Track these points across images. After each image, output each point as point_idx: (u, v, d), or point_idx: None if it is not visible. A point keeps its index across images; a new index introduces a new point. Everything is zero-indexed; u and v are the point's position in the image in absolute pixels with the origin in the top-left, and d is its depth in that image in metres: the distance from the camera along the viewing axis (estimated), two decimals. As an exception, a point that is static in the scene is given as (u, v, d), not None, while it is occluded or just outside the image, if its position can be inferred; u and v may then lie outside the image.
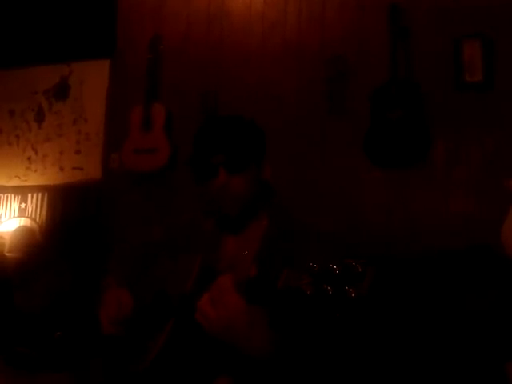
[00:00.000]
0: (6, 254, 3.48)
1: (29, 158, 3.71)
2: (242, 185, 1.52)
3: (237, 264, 1.54)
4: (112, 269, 1.68)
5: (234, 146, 1.52)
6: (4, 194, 3.72)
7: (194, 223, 1.68)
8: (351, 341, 1.32)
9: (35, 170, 3.69)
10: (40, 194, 3.63)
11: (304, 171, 2.92)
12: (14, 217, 3.67)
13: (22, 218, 3.64)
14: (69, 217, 3.51)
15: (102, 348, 1.62)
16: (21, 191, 3.68)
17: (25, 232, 3.58)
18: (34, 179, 3.68)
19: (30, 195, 3.65)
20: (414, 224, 2.74)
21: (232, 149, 1.51)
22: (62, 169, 3.62)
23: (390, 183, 2.82)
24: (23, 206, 3.66)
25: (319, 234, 1.55)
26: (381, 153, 2.78)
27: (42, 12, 3.68)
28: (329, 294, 1.07)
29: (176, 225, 1.72)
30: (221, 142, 1.52)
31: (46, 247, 3.47)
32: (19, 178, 3.72)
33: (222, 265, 1.54)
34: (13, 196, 3.70)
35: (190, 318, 1.33)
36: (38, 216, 3.60)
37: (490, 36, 2.73)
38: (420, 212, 2.75)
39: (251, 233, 1.57)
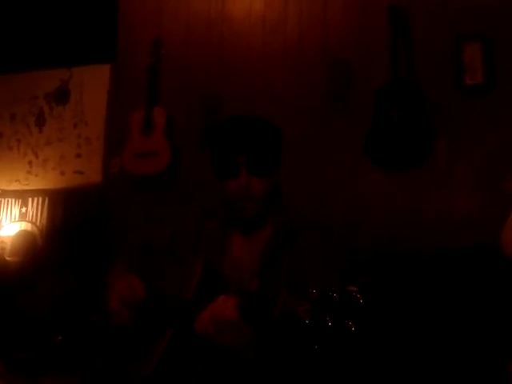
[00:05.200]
0: (7, 259, 3.47)
1: (29, 162, 3.71)
2: (262, 188, 1.53)
3: (241, 267, 1.54)
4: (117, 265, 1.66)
5: (259, 149, 1.53)
6: (5, 198, 3.72)
7: (197, 223, 1.68)
8: (348, 368, 1.30)
9: (36, 174, 3.69)
10: (41, 198, 3.62)
11: (306, 172, 2.92)
12: (15, 221, 3.66)
13: (23, 222, 3.64)
14: (69, 221, 3.51)
15: (103, 352, 1.61)
16: (21, 195, 3.68)
17: (25, 236, 3.57)
18: (34, 183, 3.68)
19: (30, 199, 3.65)
20: (416, 223, 2.74)
21: (256, 151, 1.52)
22: (62, 173, 3.62)
23: (392, 183, 2.82)
24: (24, 210, 3.66)
25: (324, 238, 1.54)
26: (383, 154, 2.78)
27: (42, 17, 3.69)
28: (328, 325, 1.04)
29: (179, 225, 1.71)
30: (246, 143, 1.52)
31: (46, 251, 3.46)
32: (20, 182, 3.72)
33: (226, 267, 1.54)
34: (13, 200, 3.70)
35: (190, 327, 1.32)
36: (38, 220, 3.60)
37: (491, 37, 2.73)
38: (422, 212, 2.75)
39: (259, 235, 1.58)
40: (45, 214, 3.58)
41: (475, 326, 2.38)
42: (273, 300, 1.15)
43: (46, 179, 3.65)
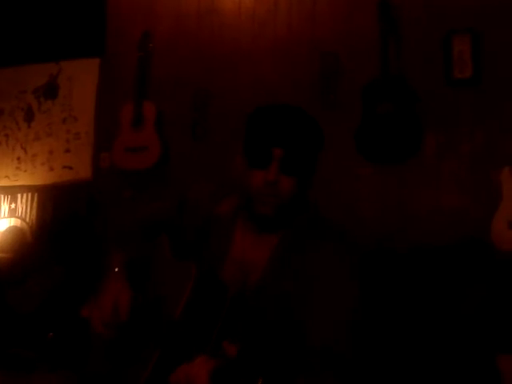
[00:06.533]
0: (-3, 255, 3.46)
1: (18, 158, 3.68)
2: (290, 188, 1.38)
3: (245, 268, 1.44)
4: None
5: (300, 145, 1.37)
6: (-6, 194, 3.70)
7: (210, 201, 1.57)
8: None
9: (25, 170, 3.66)
10: (30, 194, 3.60)
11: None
12: (4, 217, 3.64)
13: (12, 219, 3.62)
14: (59, 217, 3.49)
15: (94, 353, 1.58)
16: (11, 191, 3.66)
17: (15, 232, 3.56)
18: (23, 179, 3.65)
19: (19, 195, 3.63)
20: (406, 218, 2.75)
21: (296, 147, 1.36)
22: (51, 168, 3.60)
23: (382, 178, 2.83)
24: (13, 206, 3.63)
25: (337, 250, 1.41)
26: (372, 148, 2.79)
27: (31, 11, 3.65)
28: None
29: (189, 196, 1.60)
30: (288, 135, 1.36)
31: (36, 247, 3.45)
32: (9, 178, 3.69)
33: (226, 269, 1.45)
34: (2, 196, 3.67)
35: (176, 351, 1.29)
36: (28, 216, 3.58)
37: (480, 31, 2.74)
38: (412, 206, 2.76)
39: (270, 235, 1.45)
40: (34, 210, 3.56)
41: (466, 319, 2.40)
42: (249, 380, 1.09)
43: (35, 175, 3.63)
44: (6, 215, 3.64)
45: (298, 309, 1.35)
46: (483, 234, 2.50)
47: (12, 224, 3.60)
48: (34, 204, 3.58)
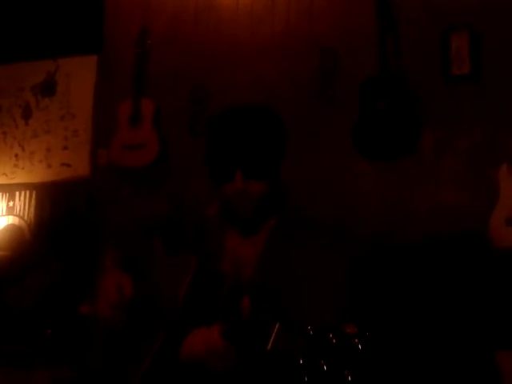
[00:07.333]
0: (-5, 253, 3.45)
1: (16, 155, 3.67)
2: (260, 190, 1.45)
3: (241, 265, 1.49)
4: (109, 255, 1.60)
5: (255, 151, 1.43)
6: (-8, 192, 3.69)
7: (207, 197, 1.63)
8: None
9: (23, 168, 3.65)
10: (28, 192, 3.59)
11: (293, 164, 2.91)
12: (2, 215, 3.63)
13: (10, 216, 3.61)
14: (57, 214, 3.48)
15: (95, 350, 1.58)
16: (8, 189, 3.64)
17: (13, 230, 3.55)
18: (21, 177, 3.64)
19: (17, 193, 3.62)
20: (406, 215, 2.75)
21: (253, 153, 1.43)
22: (49, 166, 3.59)
23: (381, 175, 2.83)
24: (11, 204, 3.62)
25: (324, 244, 1.46)
26: (370, 145, 2.78)
27: (28, 7, 3.64)
28: (322, 369, 0.98)
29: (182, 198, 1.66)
30: (241, 145, 1.42)
31: (34, 245, 3.44)
32: (6, 175, 3.68)
33: (224, 264, 1.49)
34: (0, 194, 3.66)
35: (178, 334, 1.31)
36: (26, 214, 3.57)
37: (478, 28, 2.74)
38: (412, 203, 2.76)
39: (258, 235, 1.51)
40: (32, 208, 3.55)
41: (465, 315, 2.40)
42: (265, 331, 1.10)
43: (33, 172, 3.62)
44: (4, 213, 3.63)
45: (289, 305, 1.37)
46: (482, 230, 2.50)
47: (10, 222, 3.60)
48: (32, 202, 3.57)
